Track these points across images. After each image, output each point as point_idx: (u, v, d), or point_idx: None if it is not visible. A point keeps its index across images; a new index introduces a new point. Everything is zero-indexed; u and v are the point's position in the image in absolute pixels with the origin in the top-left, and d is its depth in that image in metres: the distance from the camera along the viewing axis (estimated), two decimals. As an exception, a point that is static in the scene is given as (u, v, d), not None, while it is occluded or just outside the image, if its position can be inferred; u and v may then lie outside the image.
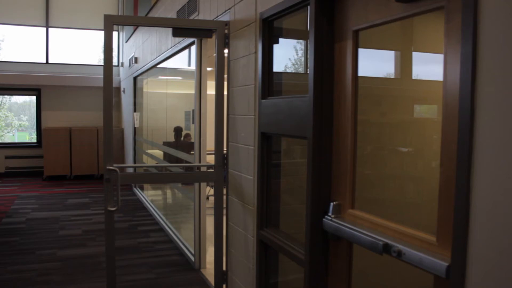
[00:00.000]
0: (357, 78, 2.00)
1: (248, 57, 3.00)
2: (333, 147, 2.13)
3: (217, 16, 3.64)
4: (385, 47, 2.33)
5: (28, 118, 11.55)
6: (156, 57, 6.24)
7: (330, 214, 2.09)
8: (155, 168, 6.74)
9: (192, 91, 4.40)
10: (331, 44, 2.11)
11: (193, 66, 4.44)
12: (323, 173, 2.15)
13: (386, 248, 1.68)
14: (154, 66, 6.55)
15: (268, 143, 2.81)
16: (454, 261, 1.38)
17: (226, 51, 3.42)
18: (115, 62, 10.62)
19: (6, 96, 11.27)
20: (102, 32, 3.06)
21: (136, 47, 8.28)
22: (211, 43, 3.95)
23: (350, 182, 2.02)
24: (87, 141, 9.82)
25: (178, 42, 4.97)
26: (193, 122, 4.59)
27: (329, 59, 2.11)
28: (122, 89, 10.06)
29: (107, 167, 3.08)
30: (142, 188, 8.24)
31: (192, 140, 5.01)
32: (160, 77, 6.98)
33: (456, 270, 1.37)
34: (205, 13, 4.01)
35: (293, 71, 2.85)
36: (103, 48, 3.22)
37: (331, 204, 2.09)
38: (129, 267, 4.46)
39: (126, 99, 9.50)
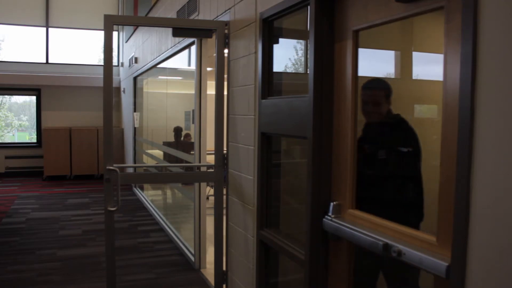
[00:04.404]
0: (357, 78, 2.00)
1: (248, 57, 3.00)
2: (333, 147, 2.13)
3: (217, 16, 3.64)
4: (385, 47, 2.33)
5: (28, 118, 11.55)
6: (156, 57, 6.24)
7: (330, 214, 2.09)
8: (155, 168, 6.73)
9: (192, 91, 4.40)
10: (331, 44, 2.11)
11: (193, 66, 4.44)
12: (323, 173, 2.15)
13: (386, 248, 1.68)
14: (154, 66, 6.55)
15: (268, 143, 2.81)
16: (454, 261, 1.38)
17: (226, 51, 3.42)
18: (115, 62, 10.62)
19: (6, 96, 11.28)
20: (102, 32, 3.05)
21: (136, 47, 8.28)
22: (211, 43, 3.95)
23: (350, 182, 2.02)
24: (87, 141, 9.82)
25: (178, 42, 4.97)
26: (193, 122, 4.59)
27: (329, 59, 2.11)
28: (122, 89, 10.06)
29: (107, 167, 3.08)
30: (142, 188, 8.24)
31: (192, 140, 5.01)
32: (160, 77, 6.98)
33: (456, 270, 1.37)
34: (205, 13, 4.01)
35: (293, 71, 2.85)
36: (103, 48, 3.22)
37: (331, 204, 2.09)
38: (129, 267, 4.46)
39: (126, 99, 9.49)
